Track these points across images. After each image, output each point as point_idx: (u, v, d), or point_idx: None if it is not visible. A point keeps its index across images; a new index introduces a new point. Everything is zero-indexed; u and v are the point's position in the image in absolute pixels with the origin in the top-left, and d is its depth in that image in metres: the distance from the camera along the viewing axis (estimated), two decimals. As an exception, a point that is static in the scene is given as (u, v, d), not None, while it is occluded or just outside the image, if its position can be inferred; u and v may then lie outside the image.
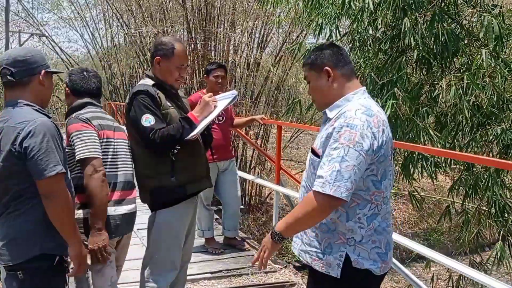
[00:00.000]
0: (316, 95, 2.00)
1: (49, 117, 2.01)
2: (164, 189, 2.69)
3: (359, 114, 1.78)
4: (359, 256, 1.83)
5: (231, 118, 4.60)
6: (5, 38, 13.36)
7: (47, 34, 16.91)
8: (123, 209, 2.56)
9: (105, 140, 2.52)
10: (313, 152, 1.90)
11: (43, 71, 2.03)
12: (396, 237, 3.02)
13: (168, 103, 2.72)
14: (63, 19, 17.30)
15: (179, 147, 2.68)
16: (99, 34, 14.66)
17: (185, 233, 2.87)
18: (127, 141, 2.71)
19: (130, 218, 2.63)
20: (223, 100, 2.86)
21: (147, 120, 2.58)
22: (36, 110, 1.98)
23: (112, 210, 2.50)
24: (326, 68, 1.93)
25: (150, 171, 2.70)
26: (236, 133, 7.60)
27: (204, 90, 4.34)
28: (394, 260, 2.99)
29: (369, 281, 1.87)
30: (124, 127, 2.80)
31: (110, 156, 2.55)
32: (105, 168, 2.46)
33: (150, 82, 2.73)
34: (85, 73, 2.66)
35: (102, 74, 14.59)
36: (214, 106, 2.75)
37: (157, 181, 2.68)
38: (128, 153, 2.70)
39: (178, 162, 2.68)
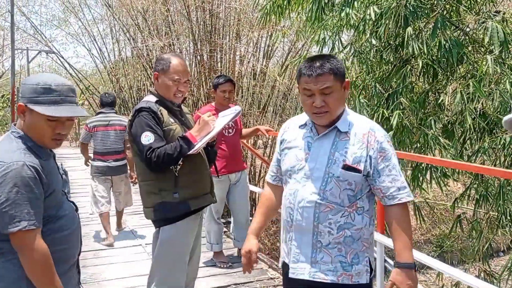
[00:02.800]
0: (336, 108, 1.88)
1: (40, 157, 1.77)
2: (167, 205, 2.68)
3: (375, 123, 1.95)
4: (372, 256, 1.96)
5: (240, 129, 4.60)
6: (11, 57, 13.50)
7: (55, 51, 17.06)
8: (106, 164, 5.26)
9: (95, 131, 5.27)
10: (349, 168, 1.83)
11: (21, 104, 1.77)
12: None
13: (171, 119, 2.73)
14: (71, 34, 17.53)
15: (182, 163, 2.68)
16: (106, 49, 14.78)
17: (190, 250, 2.85)
18: (117, 130, 5.32)
19: (111, 168, 5.30)
20: (226, 116, 2.87)
21: (146, 138, 2.59)
22: (28, 147, 1.76)
23: (100, 163, 5.27)
24: (348, 80, 1.91)
25: (153, 187, 2.70)
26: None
27: (213, 104, 4.36)
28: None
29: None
30: (119, 121, 5.37)
31: (99, 137, 5.27)
32: (98, 143, 5.29)
33: (153, 98, 2.75)
34: (106, 94, 5.59)
35: (110, 88, 14.73)
36: (213, 125, 2.76)
37: (160, 197, 2.68)
38: (118, 137, 5.31)
39: (181, 178, 2.68)
